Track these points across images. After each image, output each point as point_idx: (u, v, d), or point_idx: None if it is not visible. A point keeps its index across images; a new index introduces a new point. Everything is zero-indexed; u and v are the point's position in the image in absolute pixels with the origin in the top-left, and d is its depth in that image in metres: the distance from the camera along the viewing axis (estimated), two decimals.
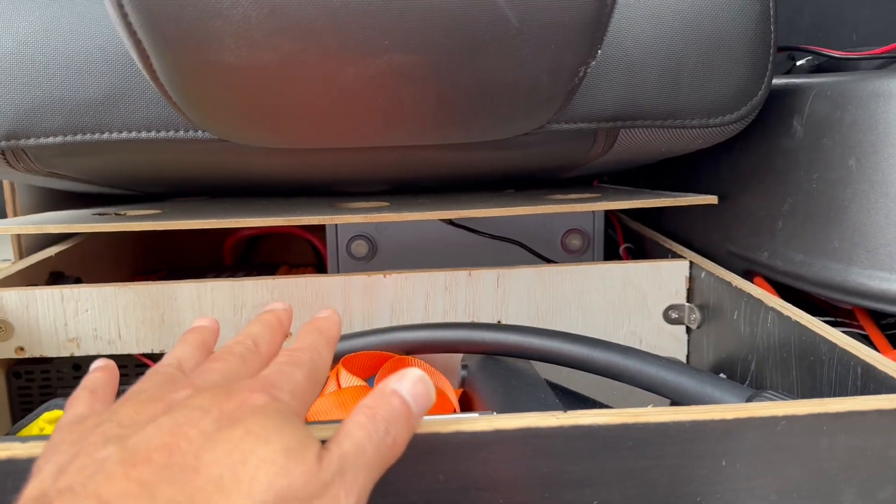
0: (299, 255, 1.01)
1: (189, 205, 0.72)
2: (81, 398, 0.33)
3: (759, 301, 0.52)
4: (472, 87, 0.43)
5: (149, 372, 0.32)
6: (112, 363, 0.36)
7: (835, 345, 0.43)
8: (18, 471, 0.28)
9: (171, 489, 0.23)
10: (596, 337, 0.52)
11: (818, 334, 0.45)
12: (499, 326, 0.54)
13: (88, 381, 0.34)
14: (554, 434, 0.33)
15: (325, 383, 0.52)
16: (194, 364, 0.34)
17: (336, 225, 0.78)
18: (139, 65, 0.40)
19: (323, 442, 0.28)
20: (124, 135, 0.48)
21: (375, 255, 0.80)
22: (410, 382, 0.30)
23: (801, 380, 0.47)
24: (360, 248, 0.80)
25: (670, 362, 0.48)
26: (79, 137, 0.48)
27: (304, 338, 0.34)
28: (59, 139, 0.48)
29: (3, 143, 0.48)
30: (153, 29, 0.37)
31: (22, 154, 0.50)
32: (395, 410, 0.29)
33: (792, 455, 0.34)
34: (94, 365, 0.36)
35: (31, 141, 0.48)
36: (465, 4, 0.37)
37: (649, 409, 0.34)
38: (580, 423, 0.33)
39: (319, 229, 0.97)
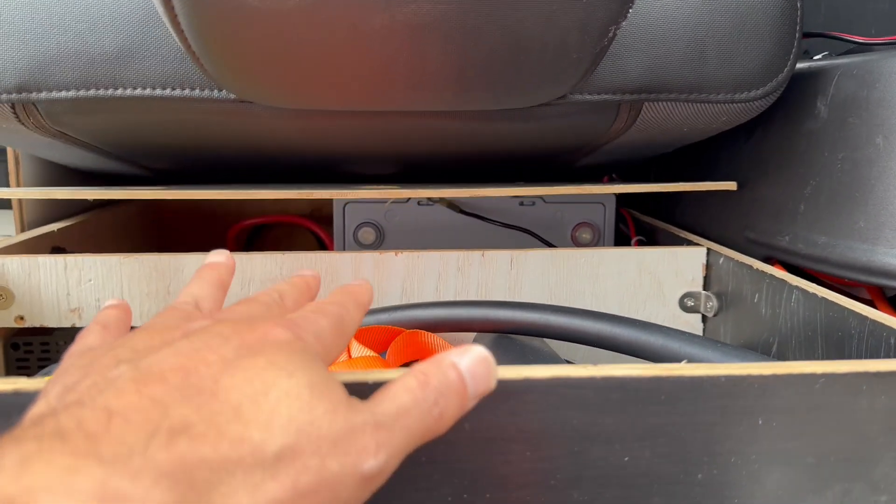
0: (303, 246, 0.99)
1: (197, 187, 0.70)
2: (93, 330, 0.31)
3: (782, 281, 0.51)
4: (498, 43, 0.42)
5: (164, 309, 0.31)
6: (125, 302, 0.35)
7: (865, 317, 0.42)
8: (24, 403, 0.27)
9: (187, 409, 0.22)
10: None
11: (847, 308, 0.44)
12: (514, 304, 0.53)
13: (100, 316, 0.33)
14: (585, 385, 0.32)
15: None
16: (212, 303, 0.33)
17: (344, 210, 0.77)
18: (161, 10, 0.39)
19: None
20: (138, 91, 0.47)
21: (383, 243, 0.79)
22: (472, 360, 0.28)
23: (828, 356, 0.46)
24: (368, 235, 0.78)
25: (695, 337, 0.46)
26: (91, 93, 0.47)
27: (333, 296, 0.33)
28: (71, 93, 0.47)
29: (14, 95, 0.47)
30: None
31: (33, 108, 0.49)
32: (450, 384, 0.27)
33: (830, 415, 0.33)
34: (107, 303, 0.34)
35: (43, 94, 0.47)
36: None
37: (684, 364, 0.33)
38: (612, 374, 0.32)
39: (325, 220, 0.96)
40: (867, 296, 0.57)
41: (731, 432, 0.33)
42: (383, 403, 0.26)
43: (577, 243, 0.80)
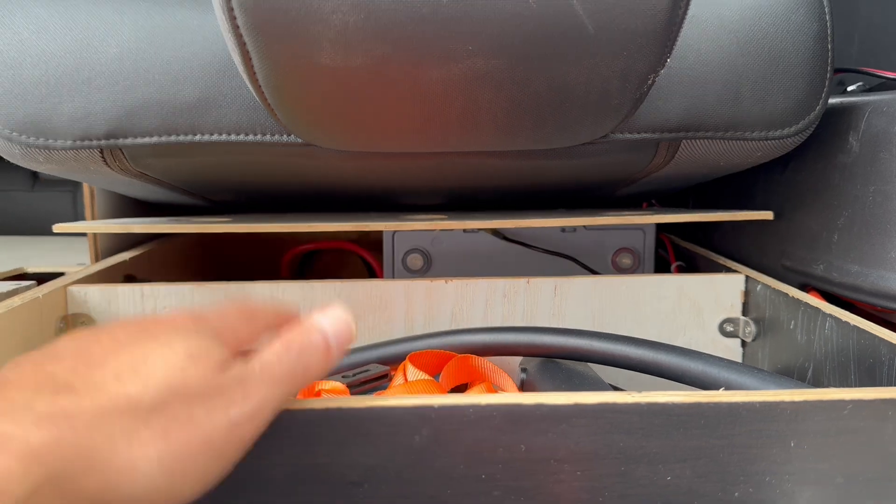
0: (352, 270, 1.04)
1: (254, 217, 0.75)
2: None
3: (816, 309, 0.53)
4: (545, 91, 0.45)
5: None
6: None
7: (895, 345, 0.44)
8: None
9: (73, 376, 0.27)
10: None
11: (878, 337, 0.46)
12: (560, 330, 0.56)
13: None
14: (631, 410, 0.35)
15: (391, 379, 0.55)
16: None
17: (393, 238, 0.80)
18: (240, 66, 0.44)
19: None
20: (215, 137, 0.52)
21: (430, 269, 0.83)
22: (333, 318, 0.34)
23: (860, 382, 0.48)
24: (416, 261, 0.82)
25: (732, 363, 0.49)
26: (173, 138, 0.52)
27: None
28: (154, 139, 0.52)
29: (103, 141, 0.51)
30: (258, 31, 0.40)
31: (119, 153, 0.54)
32: (312, 342, 0.33)
33: (858, 439, 0.35)
34: None
35: (129, 140, 0.51)
36: (545, 12, 0.40)
37: (722, 391, 0.36)
38: (656, 400, 0.35)
39: (373, 246, 1.00)
40: None
41: (766, 454, 0.35)
42: (251, 363, 0.31)
43: (617, 268, 0.83)
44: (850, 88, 0.76)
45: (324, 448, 0.33)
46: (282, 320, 0.37)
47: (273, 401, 0.31)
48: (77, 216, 1.19)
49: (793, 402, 0.35)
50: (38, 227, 1.15)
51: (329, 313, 0.34)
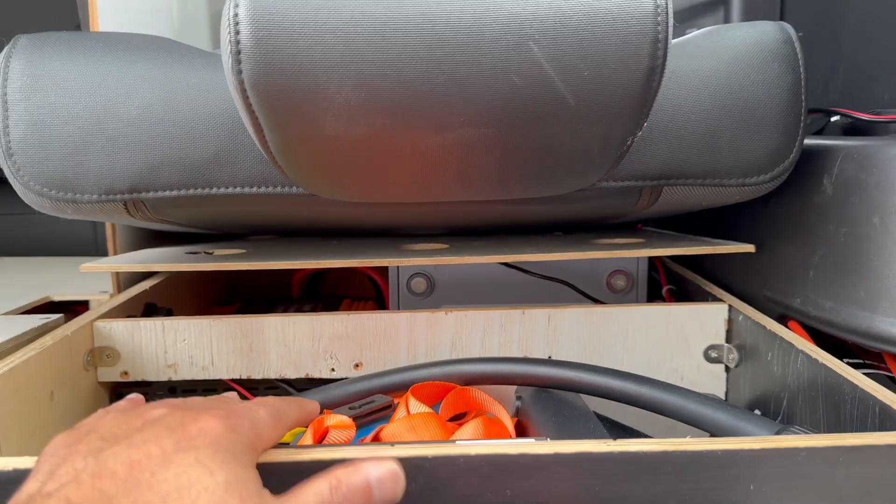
0: (360, 288, 1.08)
1: (268, 245, 0.79)
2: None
3: (790, 344, 0.57)
4: (532, 153, 0.49)
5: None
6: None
7: (856, 386, 0.48)
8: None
9: (126, 499, 0.29)
10: (640, 374, 0.58)
11: (842, 376, 0.50)
12: (552, 362, 0.60)
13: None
14: (605, 458, 0.39)
15: (394, 412, 0.59)
16: None
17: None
18: (253, 135, 0.48)
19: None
20: (230, 190, 0.56)
21: (433, 292, 0.87)
22: (384, 471, 0.35)
23: (827, 416, 0.52)
24: (420, 285, 0.86)
25: (708, 399, 0.53)
26: (191, 192, 0.56)
27: (281, 398, 0.40)
28: (174, 193, 0.56)
29: (127, 195, 0.56)
30: (269, 108, 0.44)
31: (141, 204, 0.58)
32: (358, 491, 0.34)
33: (813, 482, 0.39)
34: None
35: (151, 194, 0.56)
36: (529, 88, 0.44)
37: (688, 439, 0.40)
38: (628, 449, 0.39)
39: (381, 267, 1.04)
40: None
41: (728, 496, 0.39)
42: (289, 502, 0.33)
43: (612, 290, 0.87)
44: (833, 119, 0.80)
45: None
46: (305, 415, 0.40)
47: None
48: (97, 238, 1.24)
49: (751, 450, 0.39)
50: (60, 249, 1.21)
51: (380, 464, 0.35)
